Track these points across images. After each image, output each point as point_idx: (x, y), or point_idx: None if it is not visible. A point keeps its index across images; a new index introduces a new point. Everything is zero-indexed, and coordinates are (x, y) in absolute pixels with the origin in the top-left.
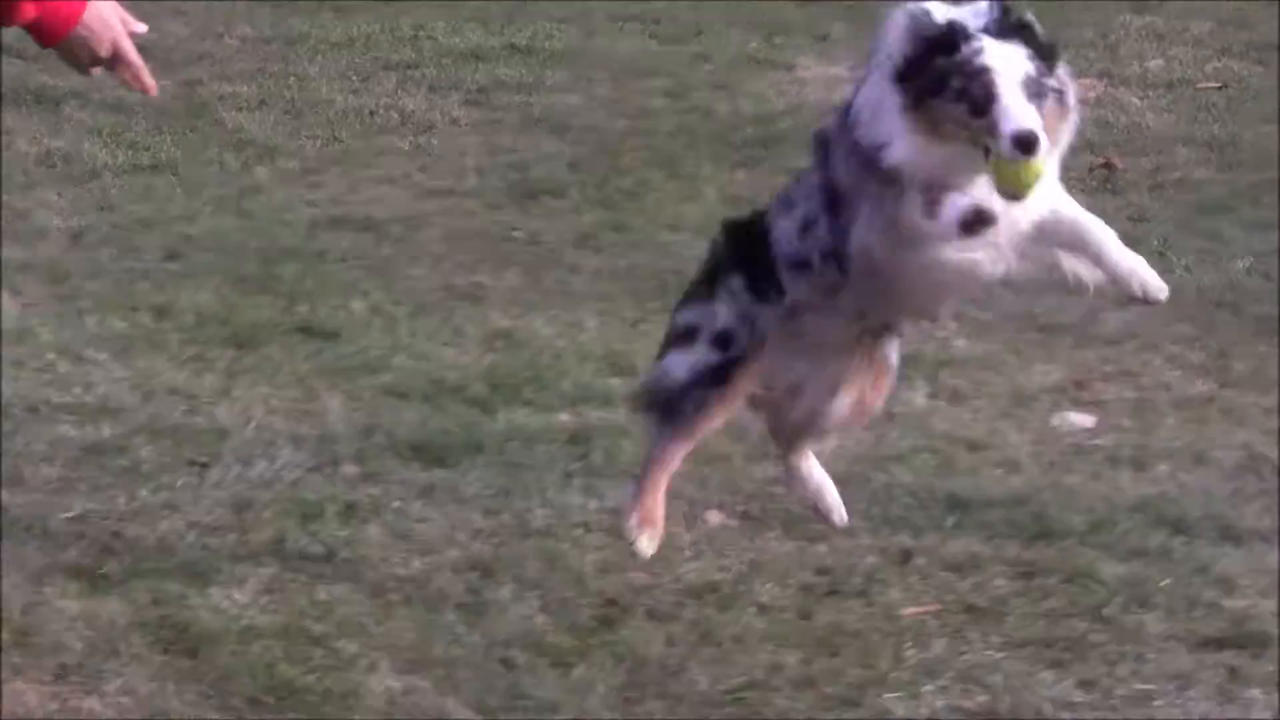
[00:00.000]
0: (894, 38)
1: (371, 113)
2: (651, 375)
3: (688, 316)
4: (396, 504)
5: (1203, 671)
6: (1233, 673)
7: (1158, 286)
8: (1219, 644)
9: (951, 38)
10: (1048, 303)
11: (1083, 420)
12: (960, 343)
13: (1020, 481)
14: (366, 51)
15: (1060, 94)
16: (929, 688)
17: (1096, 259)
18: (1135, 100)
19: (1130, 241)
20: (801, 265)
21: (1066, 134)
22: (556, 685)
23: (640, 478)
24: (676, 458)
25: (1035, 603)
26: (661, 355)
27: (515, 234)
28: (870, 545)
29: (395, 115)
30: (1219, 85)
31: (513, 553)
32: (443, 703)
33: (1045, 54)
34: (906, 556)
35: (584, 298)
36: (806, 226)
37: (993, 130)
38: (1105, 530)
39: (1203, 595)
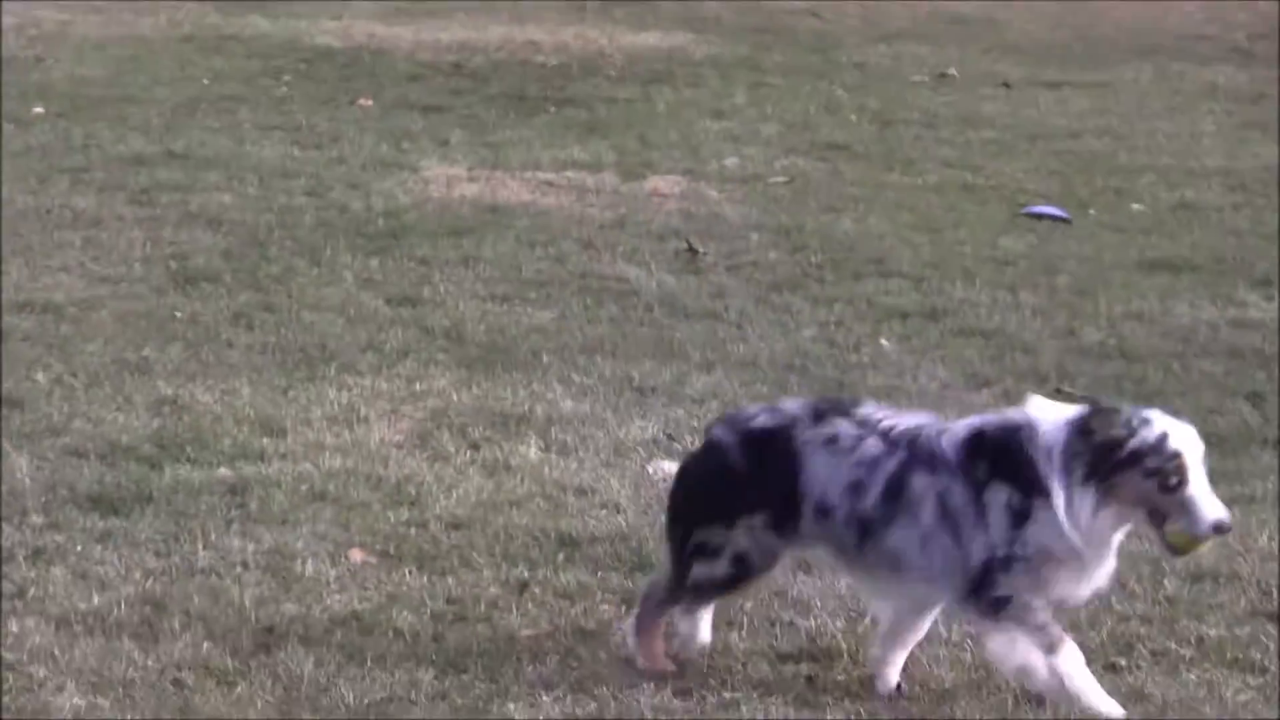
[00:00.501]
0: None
1: (48, 210)
2: (673, 577)
3: (708, 536)
4: (78, 548)
5: (783, 681)
6: (809, 681)
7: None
8: (796, 658)
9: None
10: (642, 367)
11: (673, 468)
12: (567, 403)
13: (621, 521)
14: (43, 158)
15: None
16: (546, 698)
17: None
18: (714, 193)
19: (710, 314)
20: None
21: None
22: (221, 702)
23: (640, 633)
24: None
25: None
26: (683, 566)
27: (177, 315)
28: (492, 578)
29: (69, 213)
30: (786, 180)
31: (181, 589)
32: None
33: None
34: (524, 587)
35: (239, 369)
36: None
37: (1186, 510)
38: None
39: (781, 616)
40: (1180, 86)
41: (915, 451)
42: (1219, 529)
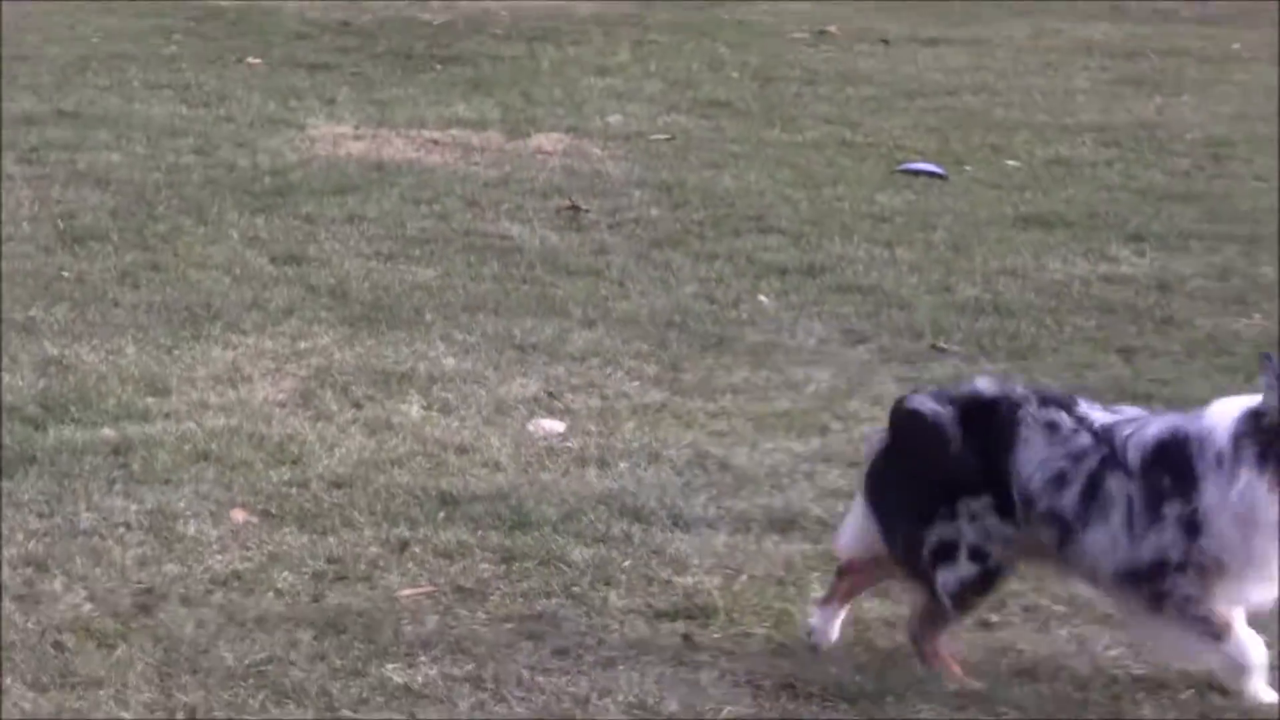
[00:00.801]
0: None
1: None
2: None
3: (941, 533)
4: None
5: (659, 639)
6: (686, 639)
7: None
8: (672, 615)
9: None
10: (524, 325)
11: (554, 426)
12: (449, 361)
13: (502, 479)
14: None
15: None
16: (424, 658)
17: None
18: (597, 150)
19: (592, 271)
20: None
21: None
22: (101, 664)
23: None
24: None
25: (514, 583)
26: (929, 569)
27: (64, 274)
28: (373, 537)
29: None
30: (668, 137)
31: (63, 550)
32: (1, 681)
33: None
34: (404, 546)
35: (125, 328)
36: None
37: None
38: (575, 520)
39: (659, 574)
40: (1056, 43)
41: (1113, 452)
42: None
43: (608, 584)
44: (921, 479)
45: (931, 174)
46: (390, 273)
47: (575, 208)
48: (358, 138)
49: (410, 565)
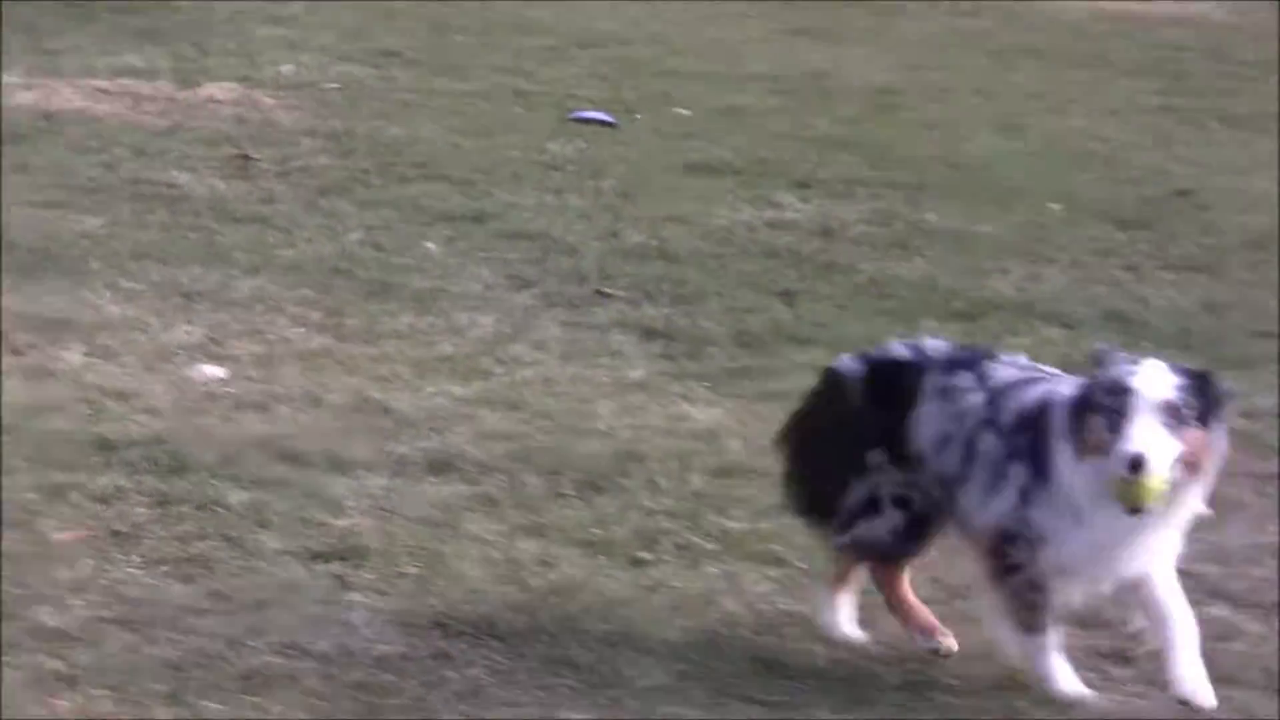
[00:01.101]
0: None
1: None
2: (852, 537)
3: (858, 493)
4: None
5: (313, 580)
6: (339, 580)
7: (1205, 699)
8: (327, 557)
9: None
10: (189, 271)
11: (216, 372)
12: (113, 308)
13: (160, 425)
14: None
15: (1205, 426)
16: (77, 602)
17: (1166, 648)
18: (269, 100)
19: (259, 219)
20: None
21: (1207, 466)
22: None
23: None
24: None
25: (170, 527)
26: (849, 524)
27: None
28: (28, 483)
29: None
30: (339, 86)
31: None
32: None
33: (1207, 392)
34: (59, 491)
35: None
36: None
37: (1112, 447)
38: (232, 464)
39: (315, 517)
40: None
41: (996, 412)
42: (1131, 463)
43: (263, 527)
44: (837, 435)
45: (602, 123)
46: (57, 221)
47: (245, 156)
48: (26, 88)
49: (66, 510)
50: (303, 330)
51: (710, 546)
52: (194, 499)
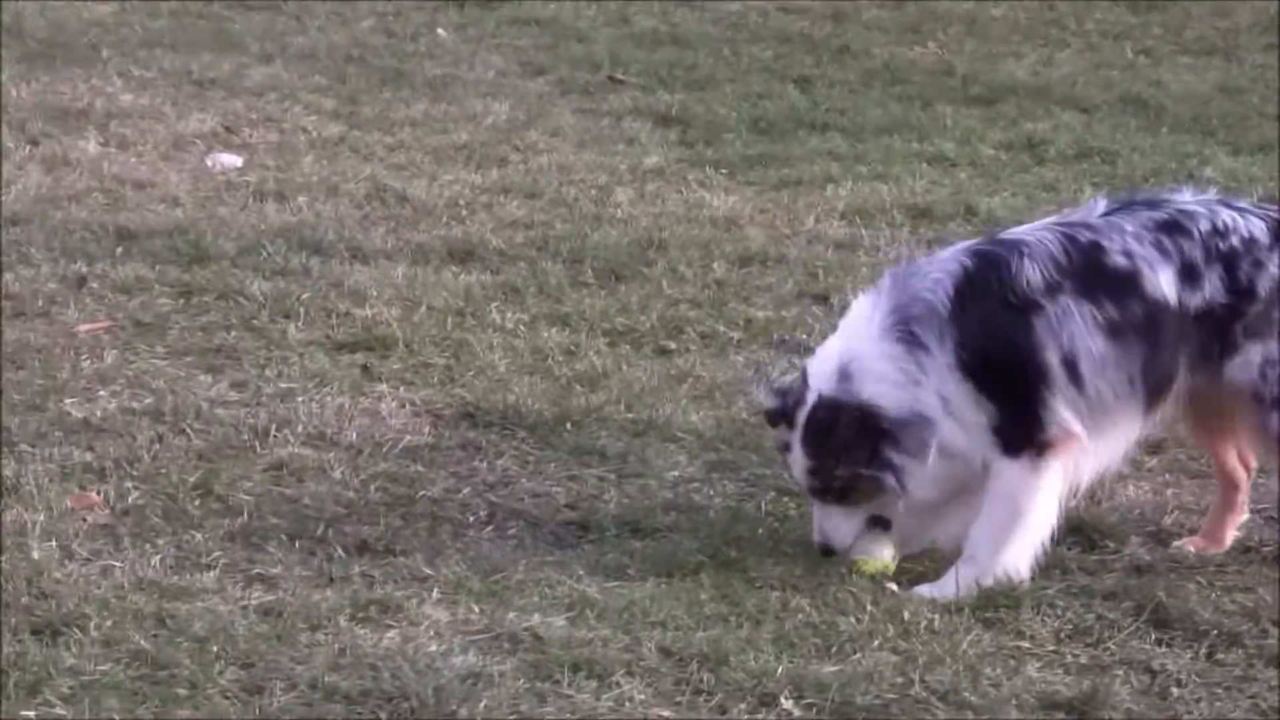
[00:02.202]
0: None
1: None
2: None
3: None
4: None
5: (338, 370)
6: (366, 370)
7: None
8: (352, 347)
9: None
10: (201, 59)
11: (232, 160)
12: (126, 96)
13: (180, 215)
14: None
15: None
16: (103, 393)
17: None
18: None
19: (270, 6)
20: None
21: None
22: None
23: None
24: None
25: (193, 317)
26: None
27: None
28: (50, 273)
29: None
30: None
31: None
32: None
33: None
34: (82, 281)
35: None
36: None
37: None
38: (253, 254)
39: (337, 306)
40: None
41: None
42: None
43: (286, 317)
44: None
45: None
46: (66, 9)
47: None
48: None
49: (88, 301)
50: (317, 118)
51: (735, 335)
52: (216, 289)
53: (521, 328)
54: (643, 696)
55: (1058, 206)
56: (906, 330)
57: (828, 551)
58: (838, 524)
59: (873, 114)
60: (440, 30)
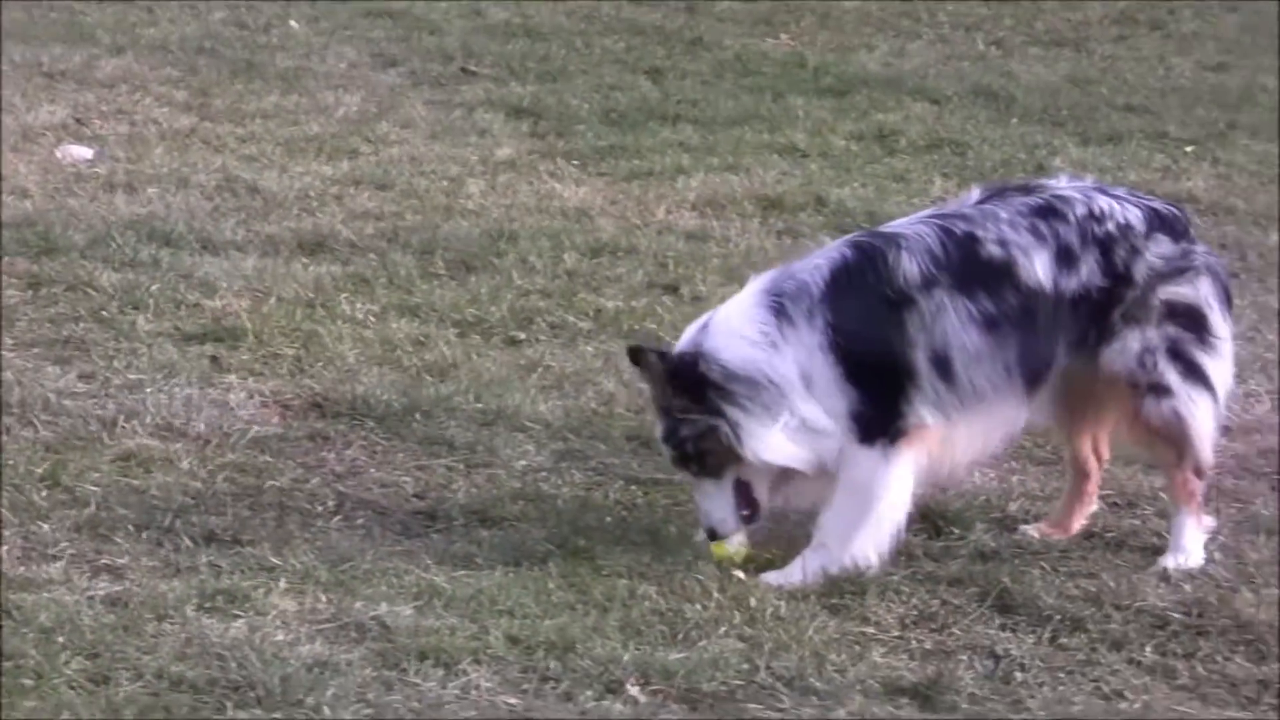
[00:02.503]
0: None
1: None
2: None
3: None
4: None
5: (187, 362)
6: (215, 361)
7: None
8: (201, 338)
9: None
10: (52, 51)
11: (83, 152)
12: None
13: (29, 206)
14: None
15: None
16: None
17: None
18: None
19: None
20: None
21: None
22: None
23: None
24: None
25: (42, 309)
26: None
27: None
28: None
29: None
30: None
31: None
32: None
33: None
34: None
35: None
36: None
37: None
38: (103, 245)
39: (187, 297)
40: None
41: None
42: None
43: (136, 308)
44: None
45: None
46: None
47: None
48: None
49: None
50: (169, 110)
51: (585, 325)
52: (65, 280)
53: (371, 319)
54: (489, 684)
55: (907, 197)
56: (777, 301)
57: (714, 535)
58: (714, 500)
59: (724, 105)
60: (292, 22)
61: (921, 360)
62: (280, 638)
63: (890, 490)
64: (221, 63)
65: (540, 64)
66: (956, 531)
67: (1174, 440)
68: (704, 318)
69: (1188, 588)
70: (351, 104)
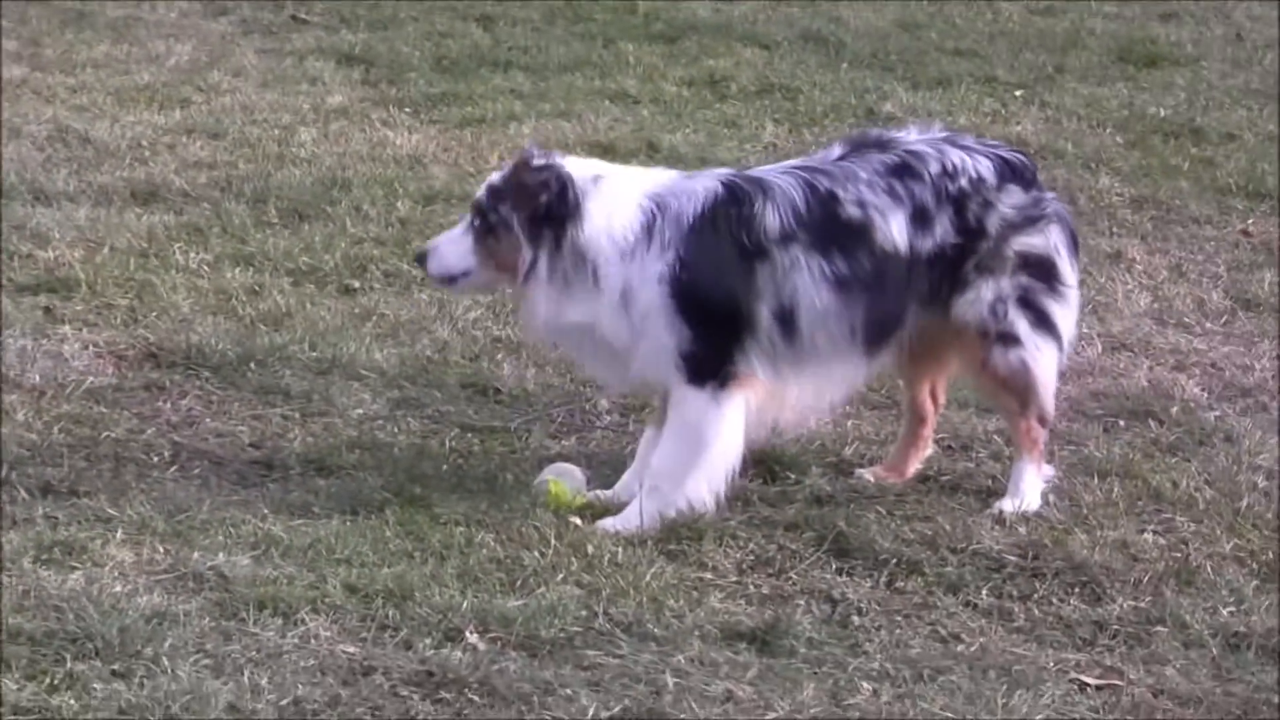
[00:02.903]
0: None
1: None
2: None
3: None
4: None
5: (20, 313)
6: (48, 313)
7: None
8: (34, 289)
9: None
10: None
11: None
12: None
13: None
14: None
15: None
16: None
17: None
18: None
19: None
20: None
21: None
22: None
23: None
24: None
25: None
26: None
27: None
28: None
29: None
30: None
31: None
32: None
33: None
34: None
35: None
36: None
37: None
38: None
39: (19, 249)
40: None
41: None
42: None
43: None
44: None
45: None
46: None
47: None
48: None
49: None
50: None
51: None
52: None
53: (205, 268)
54: (328, 633)
55: (739, 143)
56: (652, 214)
57: (420, 258)
58: (456, 247)
59: (556, 52)
60: None
61: (765, 313)
62: (118, 589)
63: (721, 432)
64: (51, 12)
65: (371, 11)
66: (792, 476)
67: (1019, 389)
68: (602, 170)
69: (1022, 530)
70: (183, 53)
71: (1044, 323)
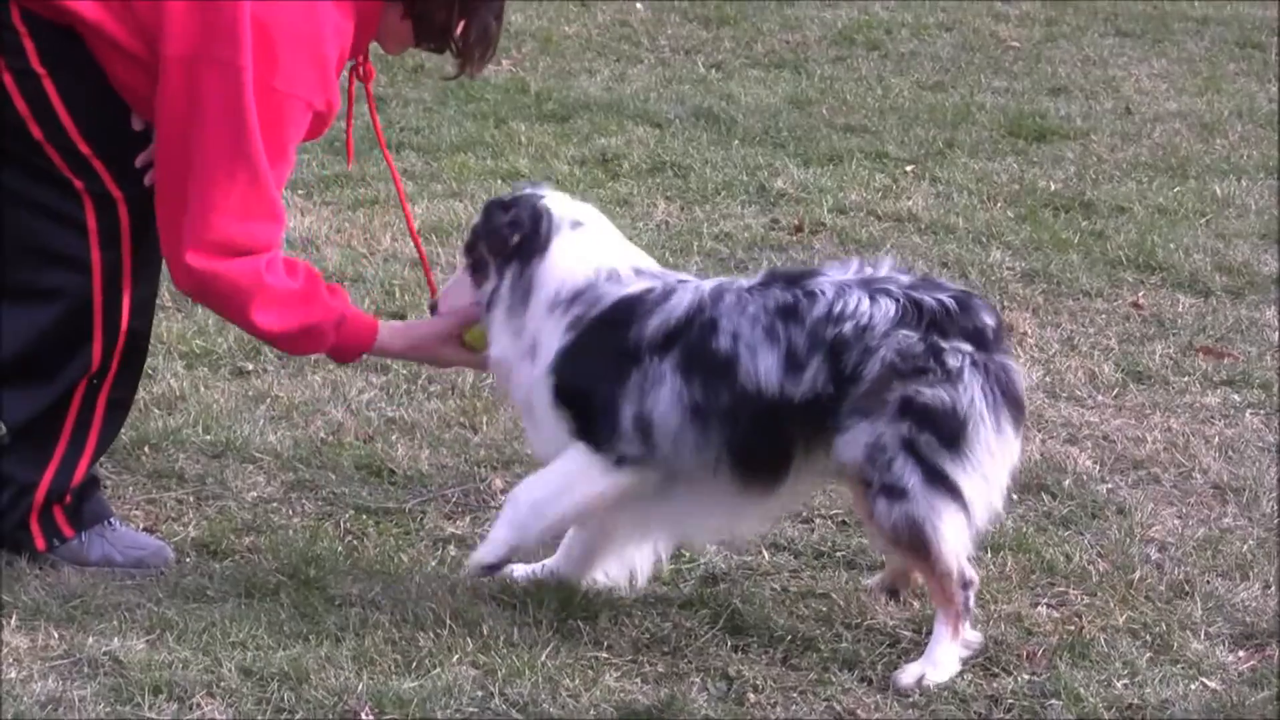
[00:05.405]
0: None
1: None
2: None
3: None
4: None
5: None
6: None
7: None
8: None
9: None
10: None
11: None
12: None
13: None
14: None
15: None
16: None
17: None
18: None
19: None
20: None
21: None
22: None
23: None
24: None
25: None
26: None
27: None
28: None
29: None
30: None
31: None
32: None
33: None
34: None
35: None
36: None
37: None
38: None
39: None
40: None
41: None
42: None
43: None
44: None
45: None
46: None
47: None
48: None
49: None
50: None
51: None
52: None
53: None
54: (224, 717)
55: (631, 221)
56: (588, 286)
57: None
58: (460, 288)
59: (448, 132)
60: None
61: (629, 418)
62: (13, 675)
63: (588, 482)
64: None
65: None
66: (687, 555)
67: (910, 547)
68: (587, 220)
69: (917, 605)
70: None
71: (939, 480)
